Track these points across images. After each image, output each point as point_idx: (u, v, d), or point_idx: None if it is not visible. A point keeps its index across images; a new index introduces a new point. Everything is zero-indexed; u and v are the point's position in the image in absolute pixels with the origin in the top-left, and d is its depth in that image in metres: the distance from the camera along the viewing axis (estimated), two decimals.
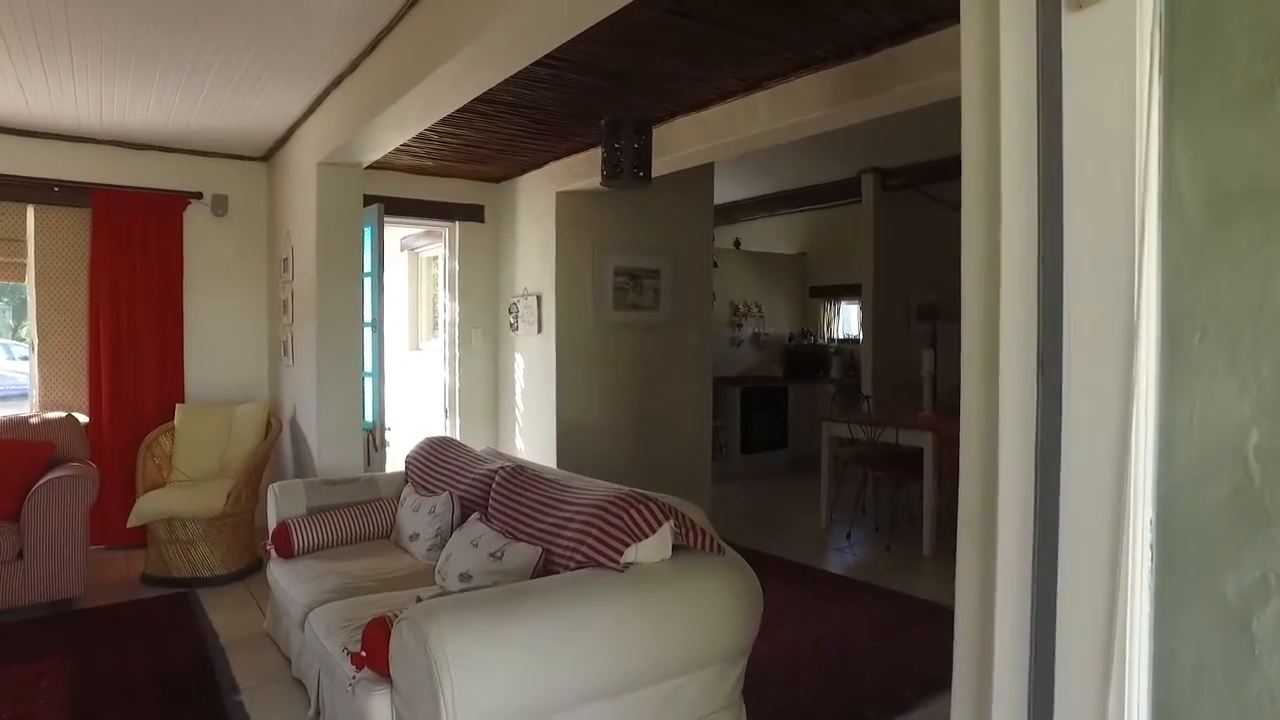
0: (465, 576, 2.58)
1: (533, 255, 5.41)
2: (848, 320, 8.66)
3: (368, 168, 4.79)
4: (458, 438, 5.63)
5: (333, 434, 4.30)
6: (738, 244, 8.79)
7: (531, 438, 5.47)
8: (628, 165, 3.20)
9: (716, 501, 6.03)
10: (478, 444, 5.69)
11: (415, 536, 3.16)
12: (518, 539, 2.62)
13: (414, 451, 3.71)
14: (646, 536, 2.22)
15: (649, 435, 5.59)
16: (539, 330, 5.33)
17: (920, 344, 7.87)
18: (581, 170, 4.87)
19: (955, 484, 1.11)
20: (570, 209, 5.19)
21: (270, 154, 5.10)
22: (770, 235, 9.10)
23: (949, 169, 6.83)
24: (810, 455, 8.06)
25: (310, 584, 2.84)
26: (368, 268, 4.61)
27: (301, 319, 4.53)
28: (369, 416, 4.63)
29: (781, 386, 8.05)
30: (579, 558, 2.27)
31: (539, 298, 5.33)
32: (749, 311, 8.53)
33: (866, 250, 7.31)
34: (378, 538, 3.43)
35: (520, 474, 2.96)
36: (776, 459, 7.98)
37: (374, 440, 4.57)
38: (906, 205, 7.57)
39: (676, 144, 4.07)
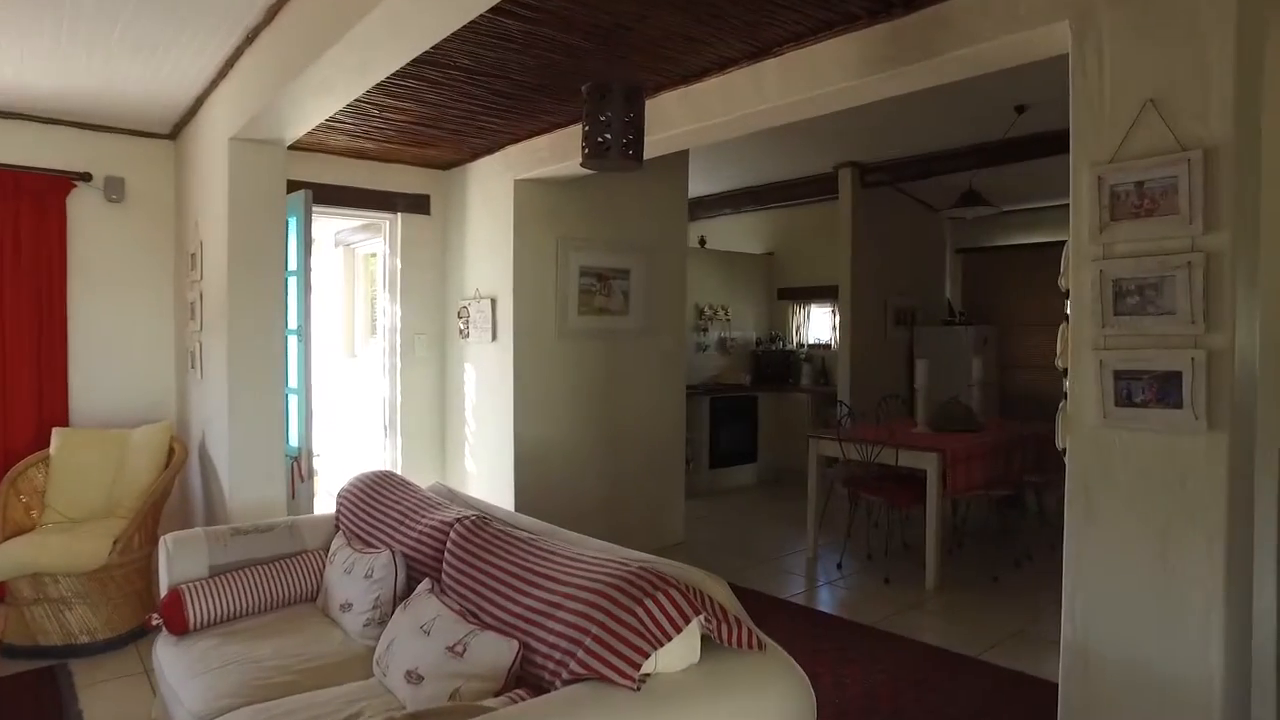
0: (414, 676, 1.94)
1: (486, 252, 4.76)
2: (818, 324, 8.19)
3: (293, 148, 4.08)
4: (399, 459, 4.94)
5: (248, 463, 3.59)
6: (702, 242, 8.25)
7: (484, 459, 4.82)
8: (616, 141, 2.61)
9: (687, 524, 5.47)
10: (421, 466, 5.02)
11: (348, 606, 2.50)
12: (484, 624, 1.99)
13: (347, 490, 3.04)
14: (669, 639, 1.63)
15: (618, 454, 4.99)
16: (493, 337, 4.68)
17: (897, 350, 7.47)
18: (545, 154, 4.24)
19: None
20: (530, 200, 4.56)
21: (178, 130, 4.34)
22: (736, 234, 8.59)
23: (932, 166, 6.40)
24: (781, 470, 7.58)
25: (206, 680, 2.16)
26: (293, 265, 3.91)
27: (212, 325, 3.80)
28: (293, 441, 3.93)
29: (751, 396, 7.54)
30: (575, 664, 1.66)
31: (493, 300, 4.68)
32: (715, 315, 7.99)
33: (844, 250, 6.84)
34: (301, 601, 2.76)
35: (484, 528, 2.34)
36: (745, 474, 7.46)
37: (299, 469, 3.87)
38: (885, 204, 7.13)
39: (661, 123, 3.48)
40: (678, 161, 5.27)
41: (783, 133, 6.13)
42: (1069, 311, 2.29)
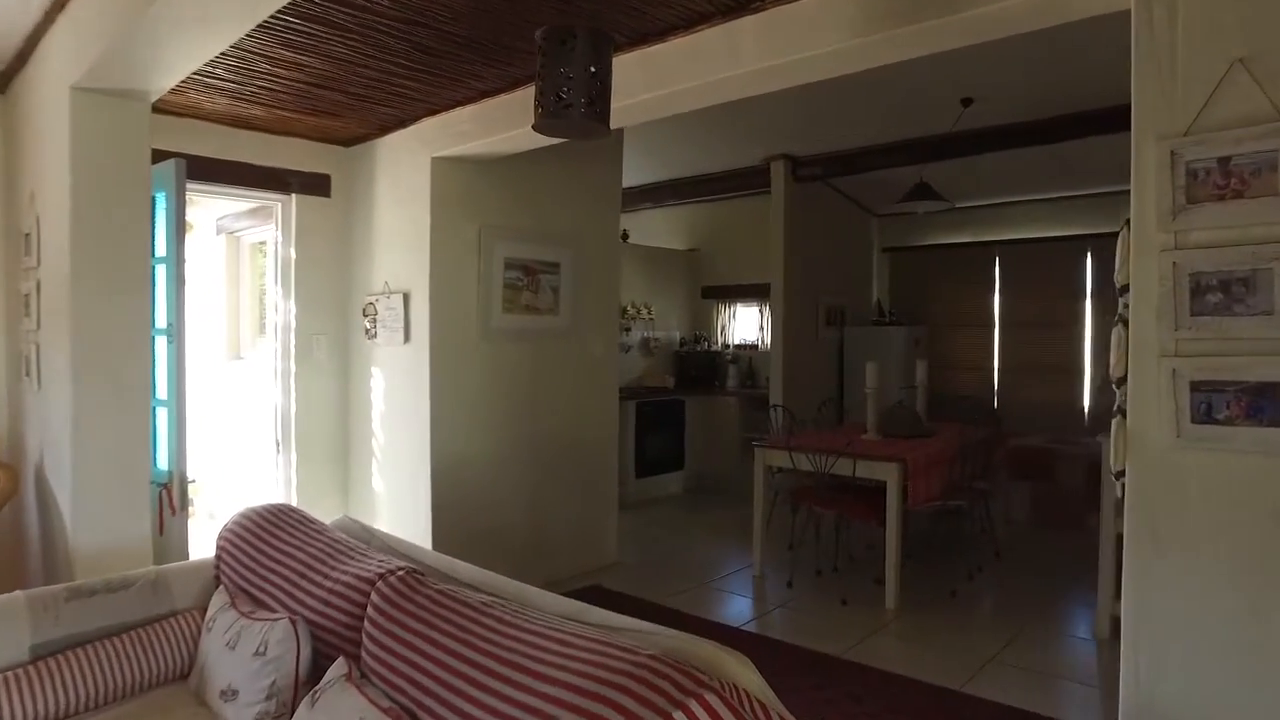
0: None
1: (398, 241, 4.14)
2: (744, 324, 7.87)
3: (163, 111, 3.40)
4: (294, 479, 4.26)
5: (99, 494, 2.88)
6: (625, 236, 7.78)
7: (395, 477, 4.20)
8: (579, 99, 2.11)
9: (619, 541, 4.99)
10: (320, 487, 4.35)
11: (231, 694, 1.90)
12: None
13: (232, 531, 2.41)
14: None
15: (546, 468, 4.46)
16: (406, 338, 4.07)
17: (828, 350, 7.23)
18: (468, 128, 3.67)
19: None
20: (450, 182, 3.97)
21: (6, 80, 3.53)
22: (657, 229, 8.18)
23: (870, 160, 6.16)
24: (709, 477, 7.22)
25: None
26: (161, 250, 3.20)
27: (53, 322, 3.05)
28: (162, 464, 3.22)
29: (677, 400, 7.14)
30: None
31: (406, 297, 4.06)
32: (638, 314, 7.55)
33: (777, 246, 6.54)
34: (167, 682, 2.13)
35: (419, 588, 1.80)
36: (672, 483, 7.06)
37: (169, 499, 3.16)
38: (815, 199, 6.87)
39: (616, 91, 2.99)
40: (612, 143, 4.79)
41: (710, 122, 5.77)
42: (1127, 312, 1.95)
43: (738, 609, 4.22)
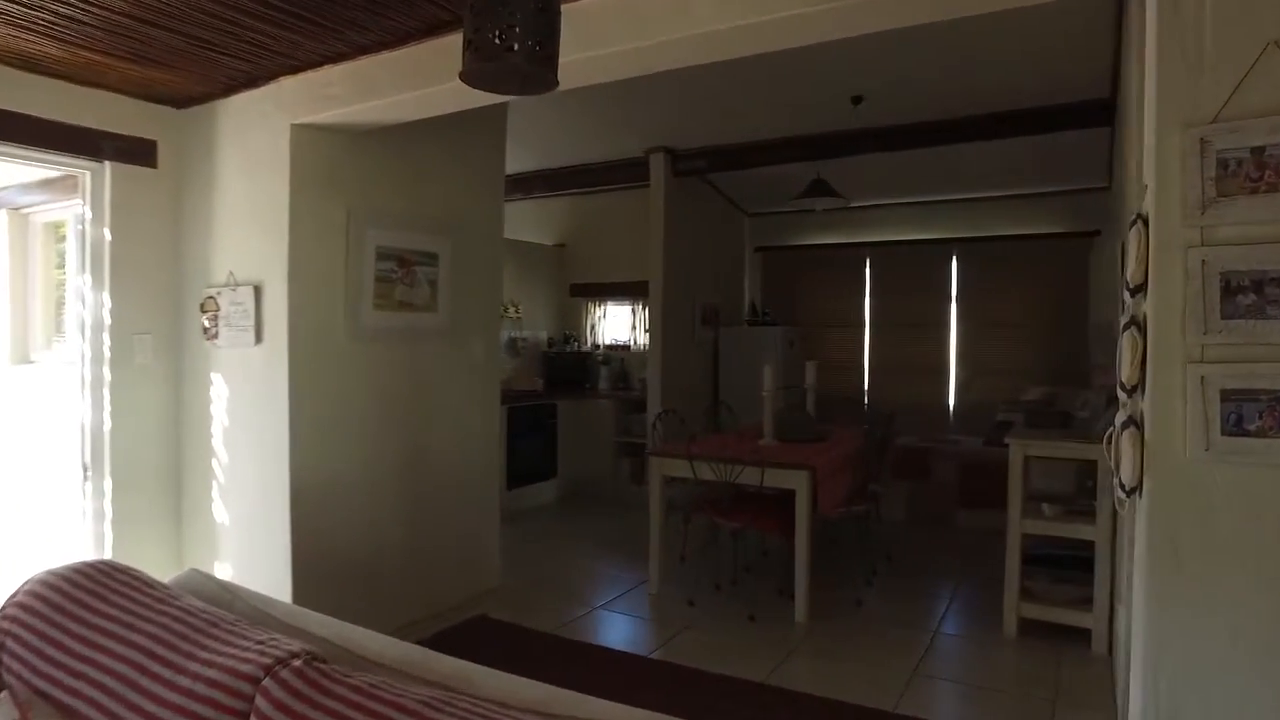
0: None
1: (247, 224, 3.46)
2: (615, 323, 7.56)
3: None
4: (108, 512, 3.49)
5: None
6: None
7: (242, 505, 3.52)
8: (524, 40, 1.68)
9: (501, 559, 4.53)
10: (143, 520, 3.60)
11: None
12: None
13: (22, 607, 1.75)
14: None
15: (423, 487, 3.93)
16: (257, 339, 3.41)
17: (705, 351, 7.07)
18: (339, 91, 3.10)
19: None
20: (314, 155, 3.36)
21: None
22: (525, 222, 7.69)
23: (746, 157, 6.03)
24: (583, 485, 6.84)
25: None
26: None
27: None
28: None
29: (549, 404, 6.71)
30: None
31: (257, 289, 3.40)
32: (505, 312, 7.04)
33: (656, 243, 6.28)
34: None
35: (331, 685, 1.31)
36: (545, 492, 6.63)
37: None
38: (692, 194, 6.68)
39: None
40: (494, 118, 4.31)
41: (589, 109, 5.43)
42: (1140, 313, 1.80)
43: (640, 634, 3.89)
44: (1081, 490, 4.03)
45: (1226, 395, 1.66)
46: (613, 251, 7.21)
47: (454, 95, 2.77)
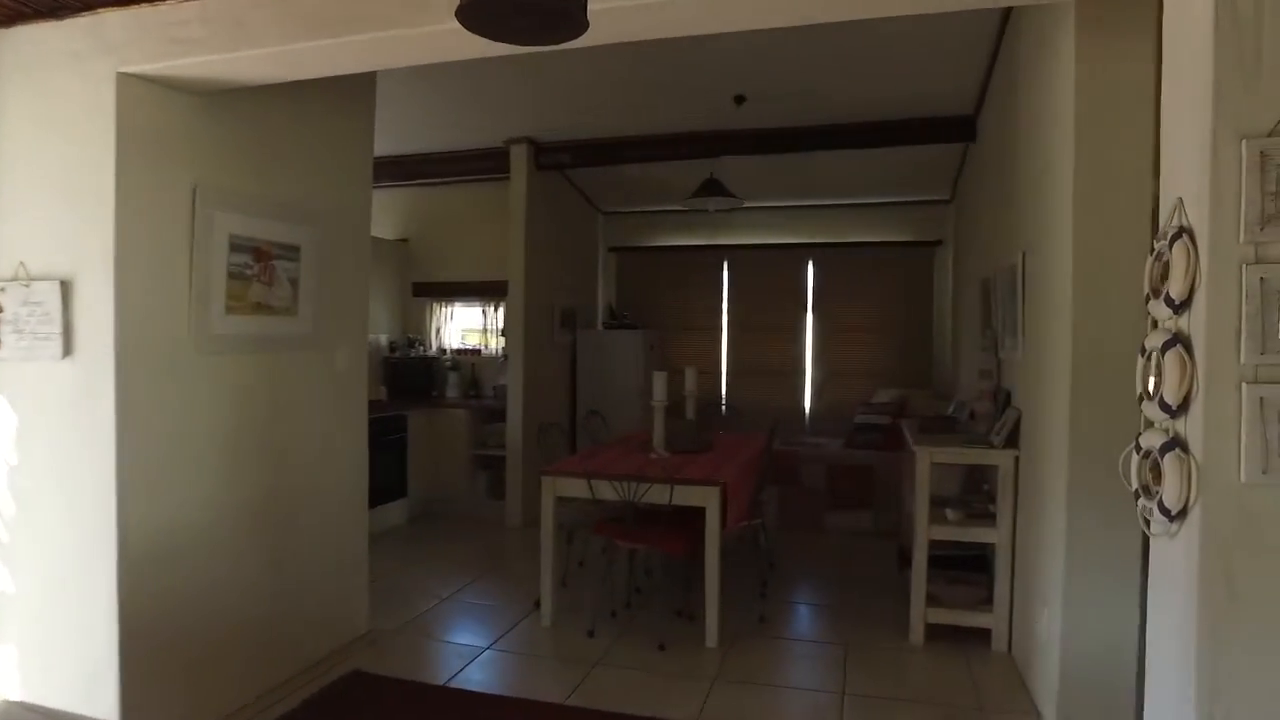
0: None
1: (49, 200, 2.67)
2: (463, 326, 7.00)
3: None
4: None
5: None
6: None
7: (39, 570, 2.72)
8: None
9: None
10: None
11: None
12: None
13: None
14: None
15: (285, 525, 3.29)
16: (66, 350, 2.64)
17: (563, 356, 6.72)
18: (199, 33, 2.45)
19: None
20: (150, 115, 2.65)
21: None
22: None
23: (619, 153, 5.77)
24: (434, 503, 6.23)
25: None
26: None
27: None
28: None
29: (398, 416, 6.05)
30: None
31: (66, 285, 2.63)
32: None
33: (518, 240, 5.88)
34: None
35: None
36: (395, 513, 5.97)
37: None
38: (551, 190, 6.31)
39: None
40: (361, 92, 3.72)
41: (445, 93, 4.93)
42: (1182, 329, 1.73)
43: (545, 676, 3.49)
44: (967, 493, 4.17)
45: None
46: (463, 248, 6.65)
47: (376, 49, 2.26)
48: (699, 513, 3.79)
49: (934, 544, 3.86)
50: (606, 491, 3.81)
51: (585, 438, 6.25)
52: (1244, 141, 1.64)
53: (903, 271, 6.78)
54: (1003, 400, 3.89)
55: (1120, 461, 1.97)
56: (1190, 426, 1.73)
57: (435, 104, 5.17)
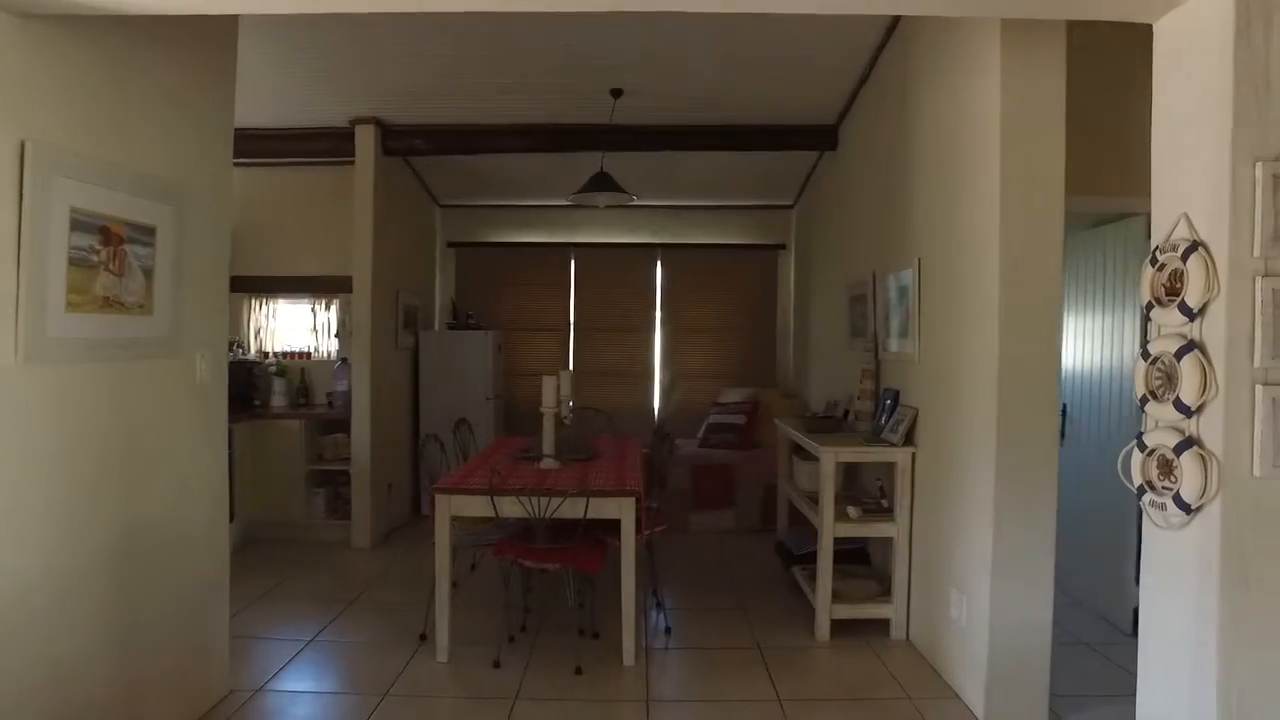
0: None
1: None
2: (290, 326, 6.21)
3: None
4: None
5: None
6: None
7: None
8: None
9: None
10: None
11: None
12: None
13: None
14: None
15: (135, 574, 2.66)
16: None
17: (406, 358, 6.17)
18: None
19: None
20: None
21: None
22: None
23: (483, 141, 5.39)
24: (268, 528, 5.43)
25: None
26: None
27: None
28: None
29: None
30: None
31: None
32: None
33: (365, 231, 5.35)
34: None
35: None
36: None
37: None
38: (394, 178, 5.78)
39: None
40: (222, 37, 3.12)
41: (281, 59, 4.33)
42: (1196, 335, 1.84)
43: (458, 717, 3.13)
44: (844, 489, 4.33)
45: None
46: (291, 238, 5.89)
47: None
48: (603, 525, 3.61)
49: (805, 537, 3.97)
50: (512, 508, 3.51)
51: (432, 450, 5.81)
52: (1258, 164, 1.77)
53: (748, 274, 6.99)
54: (888, 399, 4.09)
55: (1120, 459, 2.08)
56: (1206, 426, 1.85)
57: (267, 73, 4.51)
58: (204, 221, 2.98)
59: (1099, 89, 3.54)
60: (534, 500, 3.45)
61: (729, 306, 6.99)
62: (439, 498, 3.61)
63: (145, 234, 2.67)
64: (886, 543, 4.14)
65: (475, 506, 3.58)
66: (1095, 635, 3.85)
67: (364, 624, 4.02)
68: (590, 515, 3.50)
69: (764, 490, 5.89)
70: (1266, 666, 1.81)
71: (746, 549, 5.45)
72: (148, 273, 2.70)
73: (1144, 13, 2.04)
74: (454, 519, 3.63)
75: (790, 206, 6.88)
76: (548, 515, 3.46)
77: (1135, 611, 3.86)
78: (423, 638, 3.79)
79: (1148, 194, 3.82)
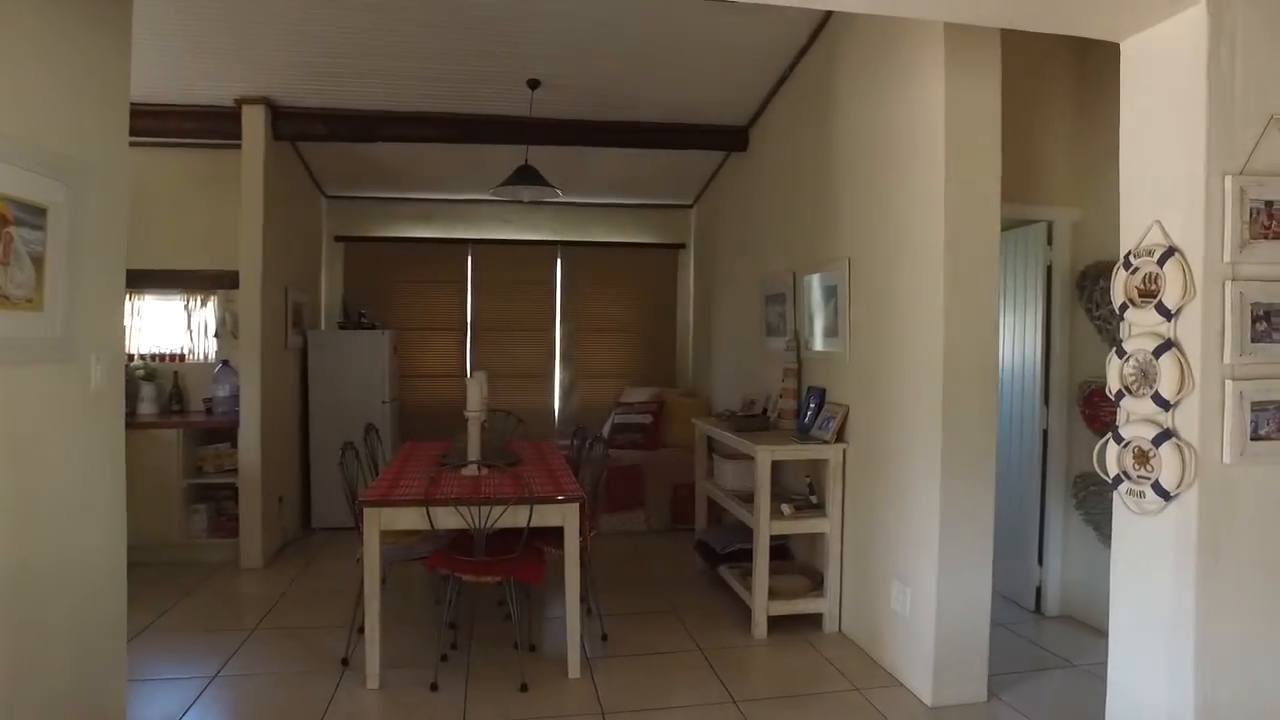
0: None
1: None
2: (159, 325, 5.59)
3: None
4: None
5: None
6: None
7: None
8: None
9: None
10: None
11: None
12: None
13: None
14: None
15: (22, 618, 2.28)
16: None
17: (295, 360, 5.71)
18: None
19: None
20: None
21: None
22: None
23: (386, 129, 5.06)
24: (140, 550, 4.83)
25: None
26: None
27: None
28: None
29: None
30: None
31: None
32: None
33: (254, 221, 4.95)
34: None
35: None
36: None
37: None
38: (281, 164, 5.34)
39: None
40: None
41: (158, 26, 3.90)
42: (1173, 335, 1.97)
43: None
44: (774, 487, 4.39)
45: (1255, 407, 1.94)
46: (161, 228, 5.29)
47: None
48: (539, 533, 3.48)
49: (733, 535, 4.00)
50: (448, 519, 3.31)
51: (325, 458, 5.47)
52: (1227, 178, 1.92)
53: (648, 273, 6.98)
54: (813, 398, 4.18)
55: (1095, 452, 2.20)
56: (1182, 418, 1.98)
57: (143, 41, 4.02)
58: (101, 202, 2.60)
59: (1006, 101, 3.77)
60: (473, 510, 3.27)
61: (629, 305, 6.96)
62: (368, 511, 3.33)
63: (35, 216, 2.29)
64: (809, 539, 4.24)
65: (408, 519, 3.34)
66: (1006, 616, 4.09)
67: (273, 653, 3.66)
68: (533, 523, 3.36)
69: (673, 490, 5.90)
70: (1236, 635, 1.97)
71: (661, 549, 5.44)
72: (38, 261, 2.31)
73: (1114, 32, 2.17)
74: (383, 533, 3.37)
75: (690, 206, 6.93)
76: (490, 526, 3.28)
77: (1038, 590, 4.17)
78: (344, 663, 3.50)
79: (1048, 202, 4.11)
